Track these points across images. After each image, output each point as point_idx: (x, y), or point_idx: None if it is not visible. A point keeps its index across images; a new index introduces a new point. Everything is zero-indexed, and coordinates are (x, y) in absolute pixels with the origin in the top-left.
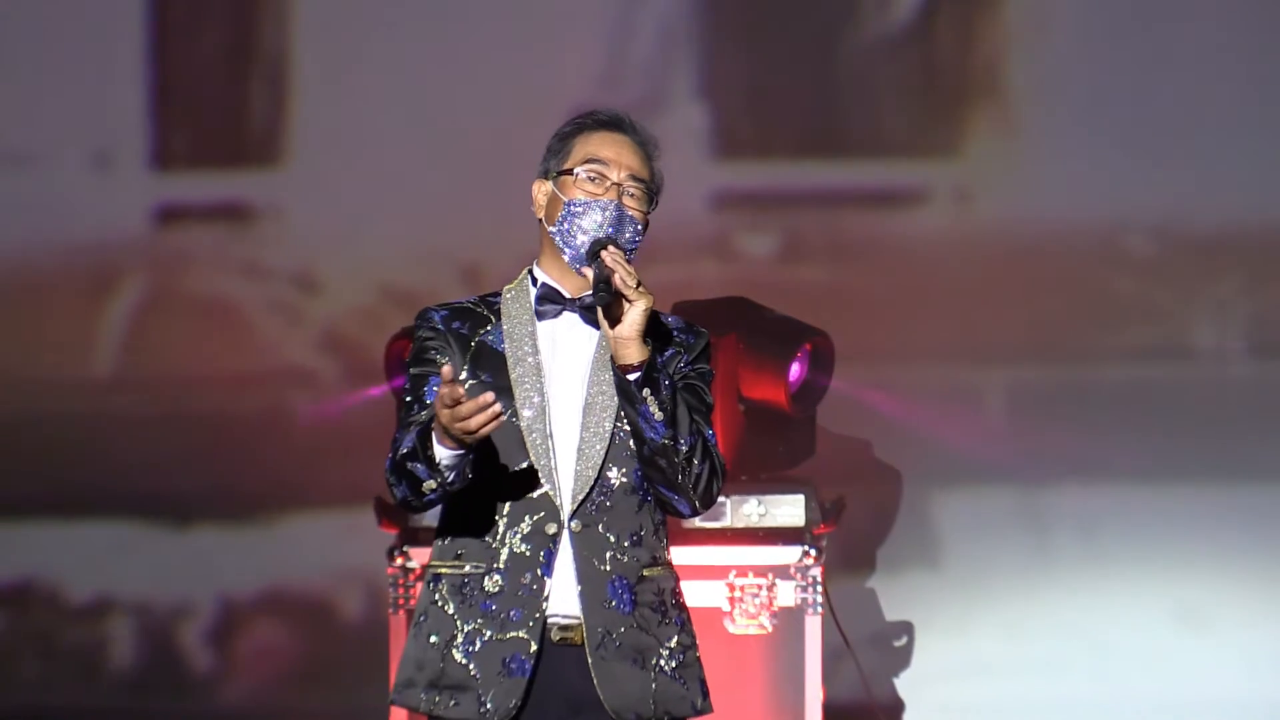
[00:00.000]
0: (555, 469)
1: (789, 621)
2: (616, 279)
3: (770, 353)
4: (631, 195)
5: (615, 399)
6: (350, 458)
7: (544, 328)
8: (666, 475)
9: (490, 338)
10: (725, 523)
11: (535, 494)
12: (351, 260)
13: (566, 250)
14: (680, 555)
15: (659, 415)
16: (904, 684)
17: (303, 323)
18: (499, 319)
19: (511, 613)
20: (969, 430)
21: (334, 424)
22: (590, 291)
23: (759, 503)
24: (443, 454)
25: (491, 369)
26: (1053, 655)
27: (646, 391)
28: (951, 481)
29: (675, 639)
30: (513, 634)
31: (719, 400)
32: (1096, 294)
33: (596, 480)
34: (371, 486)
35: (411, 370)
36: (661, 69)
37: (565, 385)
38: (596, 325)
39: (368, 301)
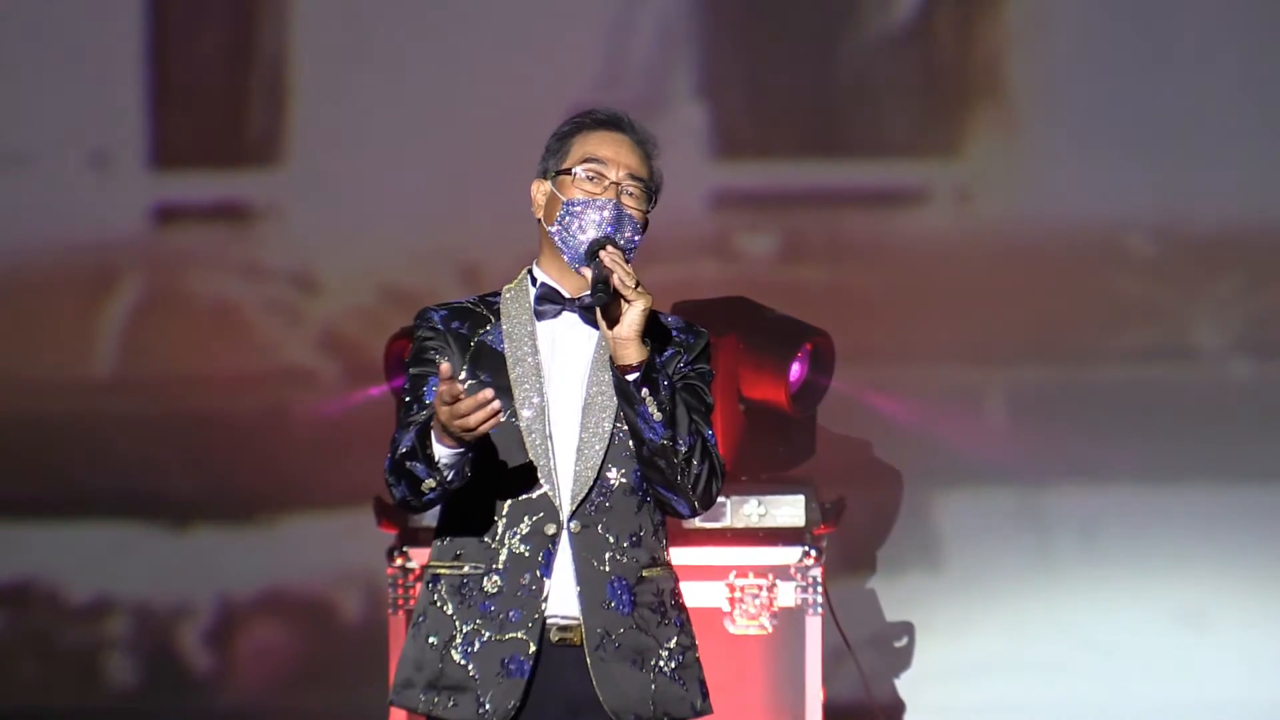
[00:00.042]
0: (554, 469)
1: (789, 622)
2: (615, 279)
3: (770, 353)
4: (630, 194)
5: (615, 399)
6: (350, 458)
7: (543, 328)
8: (665, 476)
9: (490, 338)
10: (725, 523)
11: (534, 494)
12: (351, 260)
13: (565, 250)
14: (680, 556)
15: (658, 416)
16: (904, 685)
17: (302, 323)
18: (498, 319)
19: (510, 613)
20: (969, 431)
21: (333, 424)
22: (589, 291)
23: (759, 503)
24: (442, 452)
25: (491, 369)
26: (1053, 656)
27: (645, 392)
28: (952, 482)
29: (675, 640)
30: (511, 635)
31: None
32: (1097, 294)
33: (596, 481)
34: (371, 487)
35: (411, 370)
36: (661, 69)
37: (564, 385)
38: (596, 325)
39: (367, 301)
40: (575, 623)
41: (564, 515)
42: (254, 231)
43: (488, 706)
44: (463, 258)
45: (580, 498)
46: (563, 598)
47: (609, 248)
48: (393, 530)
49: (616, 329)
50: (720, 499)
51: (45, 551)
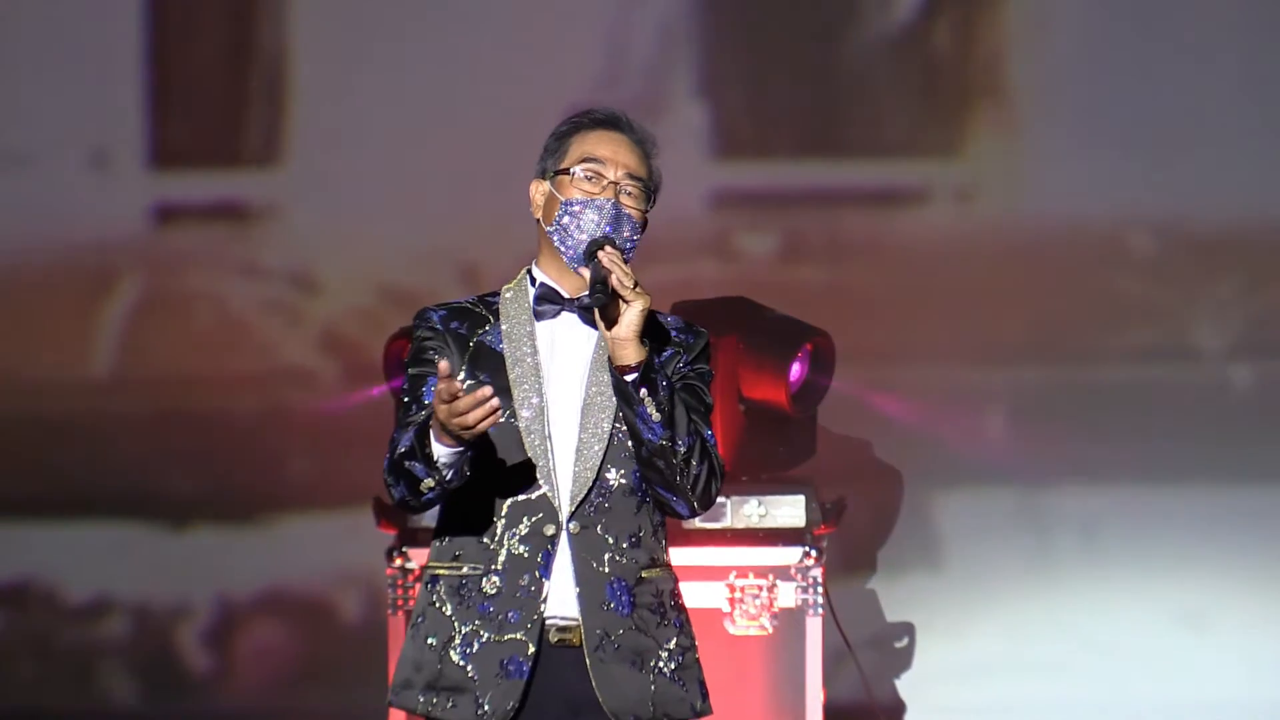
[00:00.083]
0: (554, 470)
1: (789, 623)
2: (613, 279)
3: (771, 353)
4: (629, 194)
5: (614, 399)
6: (349, 458)
7: (543, 328)
8: (665, 476)
9: (489, 338)
10: (725, 523)
11: (533, 495)
12: (350, 260)
13: (564, 250)
14: (680, 556)
15: (656, 416)
16: (905, 685)
17: (302, 323)
18: (497, 319)
19: (509, 614)
20: (970, 431)
21: (333, 424)
22: (587, 292)
23: (759, 503)
24: (441, 451)
25: (490, 369)
26: (1053, 656)
27: (644, 392)
28: (952, 482)
29: (674, 640)
30: (510, 636)
31: (719, 400)
32: (1097, 294)
33: (595, 481)
34: (370, 487)
35: (410, 370)
36: (661, 69)
37: (564, 386)
38: (595, 325)
39: (367, 301)
40: (574, 624)
41: (563, 516)
42: (253, 231)
43: (487, 707)
44: (462, 258)
45: (579, 498)
46: (562, 599)
47: (607, 248)
48: (392, 530)
49: (615, 329)
50: (720, 499)
51: (44, 551)
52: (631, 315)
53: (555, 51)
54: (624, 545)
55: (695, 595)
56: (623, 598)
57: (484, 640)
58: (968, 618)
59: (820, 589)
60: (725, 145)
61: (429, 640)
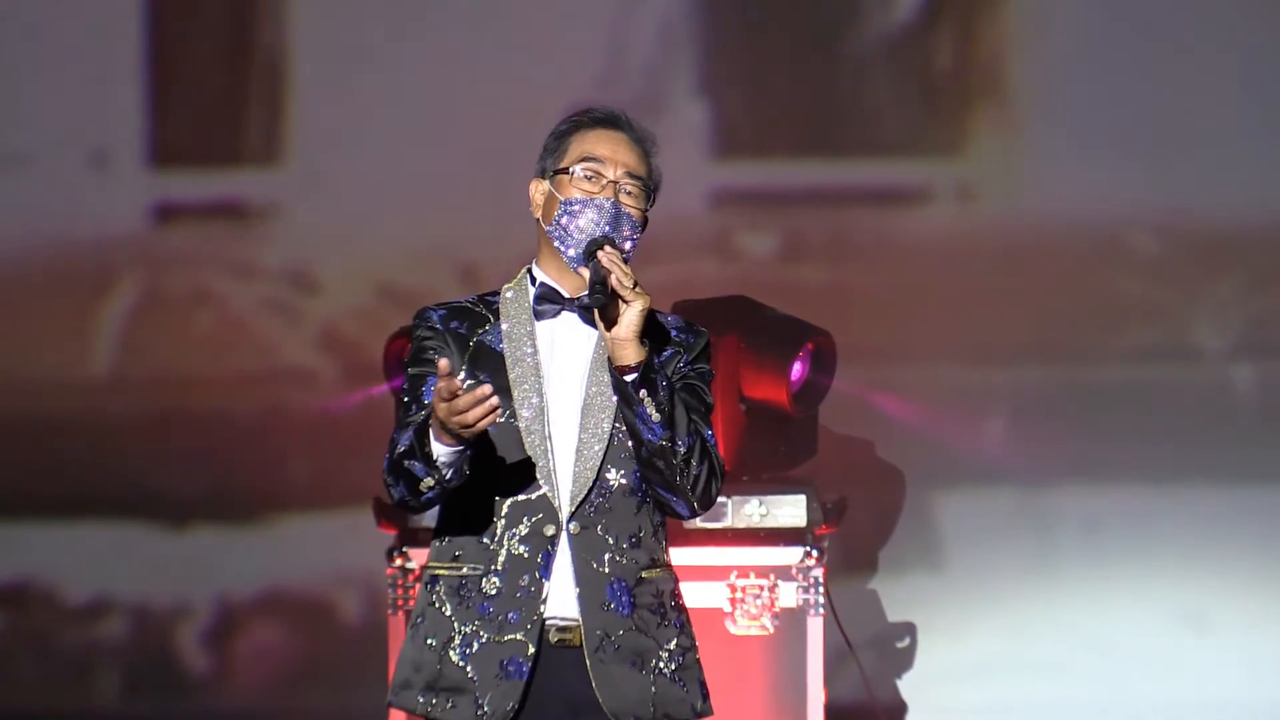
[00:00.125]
0: (554, 470)
1: (790, 623)
2: (613, 279)
3: (772, 352)
4: (629, 193)
5: (614, 400)
6: (349, 458)
7: (543, 327)
8: (664, 477)
9: (489, 337)
10: (726, 523)
11: (533, 495)
12: (350, 260)
13: (563, 249)
14: (681, 556)
15: (656, 417)
16: (906, 685)
17: (301, 322)
18: (497, 319)
19: (509, 615)
20: (971, 431)
21: (333, 424)
22: (587, 292)
23: (760, 503)
24: (440, 450)
25: (490, 369)
26: (1055, 657)
27: (644, 393)
28: (953, 482)
29: (674, 641)
30: (510, 636)
31: (720, 400)
32: (1097, 294)
33: (595, 481)
34: (370, 487)
35: (409, 370)
36: (661, 68)
37: (564, 385)
38: (595, 325)
39: (366, 301)
40: (574, 624)
41: (563, 516)
42: (253, 231)
43: (486, 708)
44: (462, 257)
45: (579, 499)
46: (562, 599)
47: (607, 248)
48: (392, 530)
49: (614, 329)
50: (721, 499)
51: (43, 551)
52: (631, 315)
53: (555, 51)
54: (624, 545)
55: (696, 595)
56: (623, 598)
57: (484, 641)
58: (969, 618)
59: (821, 589)
60: (726, 145)
61: (428, 640)
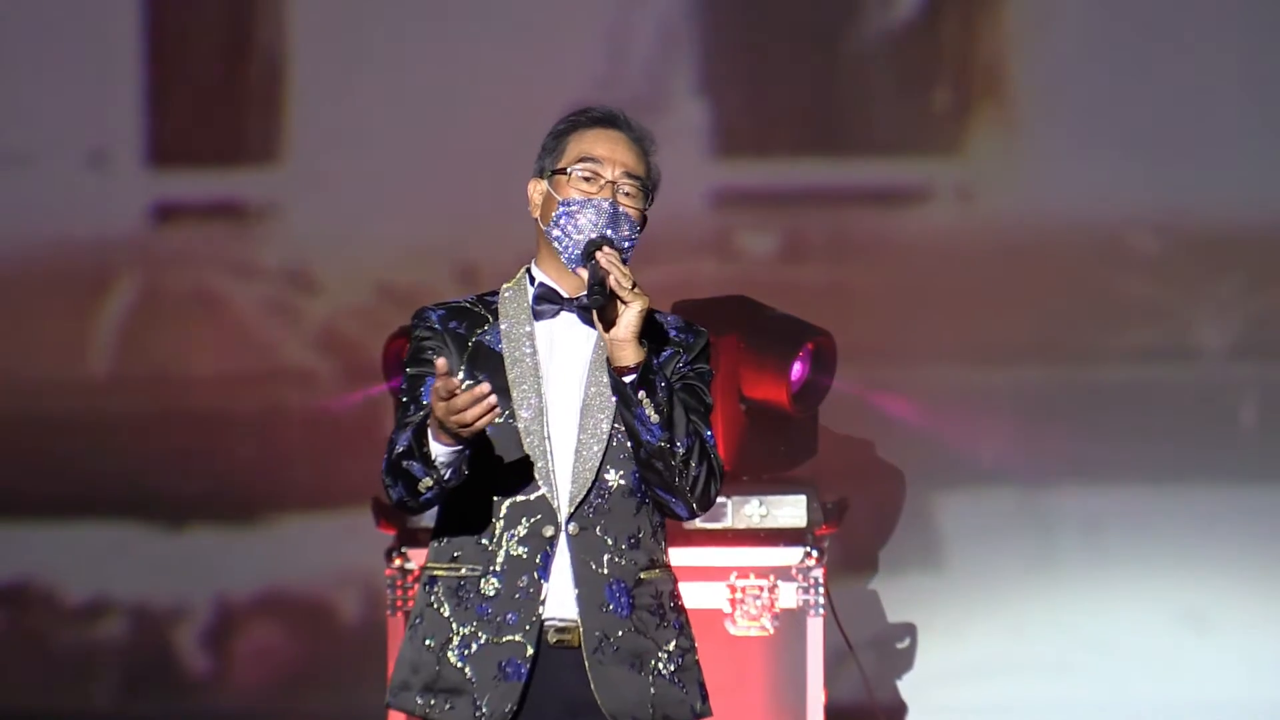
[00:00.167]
0: (553, 471)
1: (790, 623)
2: (611, 280)
3: (772, 352)
4: (627, 193)
5: (613, 400)
6: (348, 458)
7: (541, 328)
8: (663, 478)
9: (487, 338)
10: (726, 524)
11: (532, 496)
12: (349, 259)
13: (562, 250)
14: (681, 556)
15: (655, 418)
16: (906, 686)
17: (300, 322)
18: (496, 319)
19: (508, 616)
20: (971, 431)
21: (332, 424)
22: (586, 293)
23: (760, 503)
24: (439, 450)
25: (489, 369)
26: (1055, 657)
27: (642, 394)
28: (954, 482)
29: (674, 642)
30: (509, 638)
31: (720, 400)
32: (1098, 294)
33: (594, 482)
34: (370, 487)
35: (408, 370)
36: (661, 68)
37: (563, 386)
38: (594, 325)
39: (366, 301)
40: (573, 625)
41: (562, 517)
42: (252, 230)
43: (485, 709)
44: (461, 257)
45: (578, 499)
46: (561, 600)
47: (605, 248)
48: (391, 531)
49: (613, 330)
50: (721, 499)
51: (42, 551)
52: (630, 316)
53: (555, 51)
54: (623, 546)
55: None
56: (622, 599)
57: (482, 642)
58: (969, 618)
59: (821, 589)
60: (726, 144)
61: (427, 642)
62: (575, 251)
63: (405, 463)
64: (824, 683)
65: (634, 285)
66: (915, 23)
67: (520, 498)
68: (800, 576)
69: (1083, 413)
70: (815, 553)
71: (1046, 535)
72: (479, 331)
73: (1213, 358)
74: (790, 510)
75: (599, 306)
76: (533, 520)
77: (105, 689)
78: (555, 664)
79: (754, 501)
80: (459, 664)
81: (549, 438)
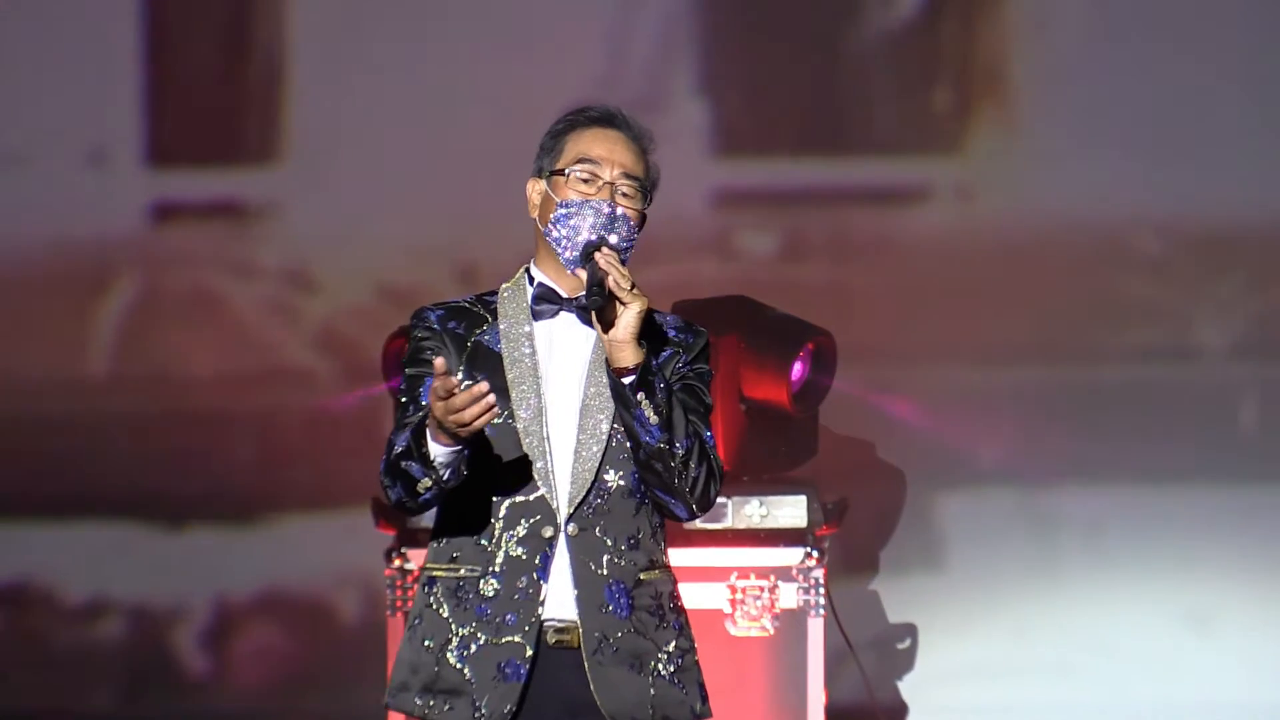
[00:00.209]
0: (552, 471)
1: (791, 624)
2: (610, 281)
3: (772, 352)
4: (625, 194)
5: (613, 401)
6: (348, 458)
7: (541, 328)
8: (663, 479)
9: (486, 338)
10: (727, 524)
11: (531, 497)
12: (349, 259)
13: (560, 251)
14: (681, 557)
15: (654, 419)
16: (907, 687)
17: (300, 322)
18: (495, 319)
19: (507, 617)
20: (972, 431)
21: (331, 424)
22: (584, 294)
23: (761, 504)
24: (438, 450)
25: (488, 369)
26: (1056, 658)
27: (641, 395)
28: (955, 482)
29: (673, 643)
30: (508, 638)
31: (720, 400)
32: (1098, 294)
33: (593, 483)
34: (369, 487)
35: (407, 370)
36: (661, 68)
37: (562, 386)
38: (593, 325)
39: (365, 300)
40: (572, 625)
41: (561, 518)
42: (251, 230)
43: (484, 710)
44: (460, 257)
45: (578, 500)
46: (560, 601)
47: (604, 249)
48: (391, 531)
49: (612, 332)
50: (722, 499)
51: (41, 551)
52: (629, 317)
53: (555, 51)
54: (622, 547)
55: (696, 596)
56: (621, 600)
57: (481, 643)
58: (970, 619)
59: (822, 590)
60: (726, 143)
61: (426, 642)
62: (574, 253)
63: (404, 463)
64: (824, 683)
65: (633, 286)
66: (915, 22)
67: (519, 498)
68: (801, 577)
69: (1083, 413)
70: (816, 553)
71: (1047, 535)
72: (478, 331)
73: (1213, 358)
74: (791, 510)
75: (598, 308)
76: (532, 521)
77: (104, 689)
78: (554, 665)
79: (754, 502)
80: (458, 665)
81: (548, 438)
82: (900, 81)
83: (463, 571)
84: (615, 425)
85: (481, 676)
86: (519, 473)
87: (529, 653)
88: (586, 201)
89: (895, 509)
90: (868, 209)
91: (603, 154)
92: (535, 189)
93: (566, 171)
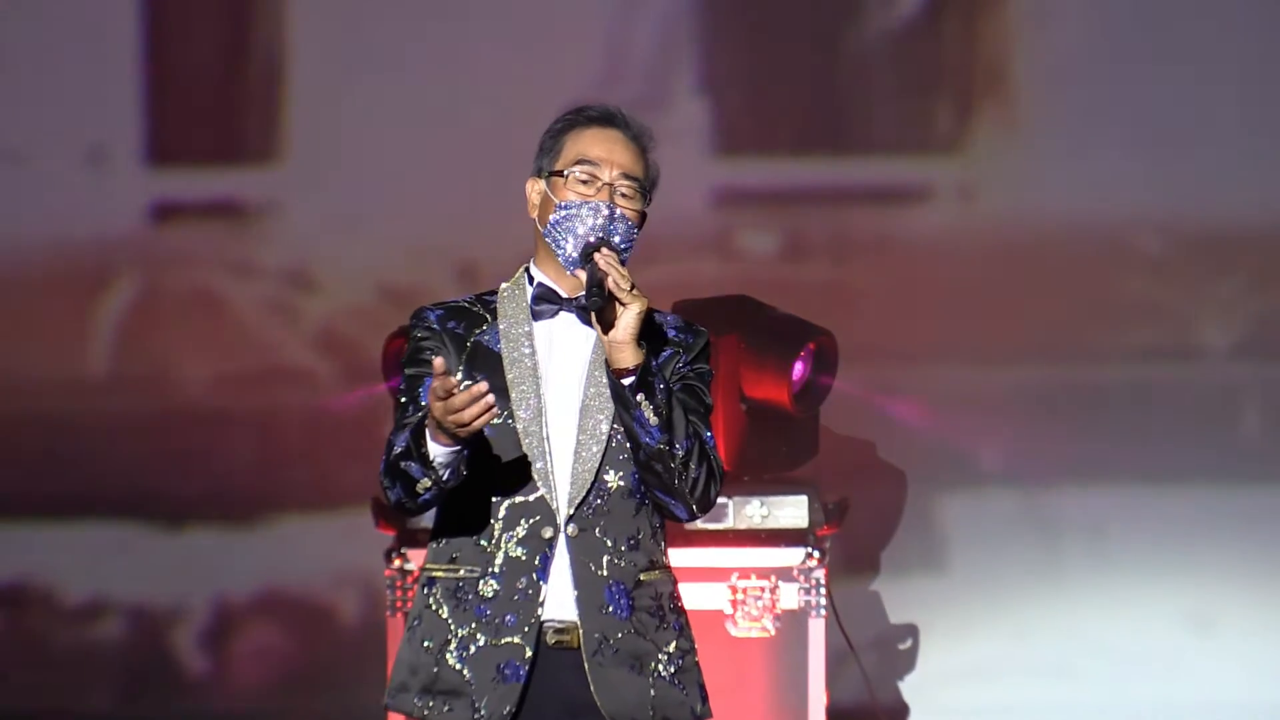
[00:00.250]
0: (552, 471)
1: (792, 624)
2: (610, 282)
3: (773, 352)
4: (624, 195)
5: (612, 401)
6: (347, 459)
7: (540, 328)
8: (663, 480)
9: (486, 338)
10: (728, 524)
11: (531, 497)
12: (349, 259)
13: (559, 252)
14: (682, 557)
15: (654, 420)
16: (908, 687)
17: (300, 322)
18: (495, 318)
19: (506, 618)
20: (973, 431)
21: (331, 424)
22: (584, 295)
23: (761, 504)
24: (437, 451)
25: (488, 369)
26: (1057, 658)
27: (641, 396)
28: (955, 483)
29: (673, 644)
30: (507, 639)
31: (720, 400)
32: (1100, 294)
33: (593, 483)
34: (369, 488)
35: (406, 371)
36: (662, 67)
37: (562, 386)
38: (593, 325)
39: (365, 300)
40: (572, 626)
41: (561, 519)
42: (251, 229)
43: (483, 711)
44: (460, 257)
45: (577, 501)
46: (560, 602)
47: (603, 250)
48: (391, 531)
49: (612, 333)
50: (722, 500)
51: (40, 552)
52: (628, 318)
53: (555, 51)
54: (622, 548)
55: (697, 596)
56: (621, 601)
57: (481, 643)
58: (971, 619)
59: (823, 590)
60: (726, 143)
61: (425, 643)
62: (573, 254)
63: (403, 463)
64: (825, 684)
65: (632, 287)
66: (916, 22)
67: (519, 499)
68: (801, 577)
69: (1084, 413)
70: (817, 553)
71: (1048, 536)
72: (477, 331)
73: (1214, 358)
74: (791, 511)
75: (597, 308)
76: (531, 521)
77: (104, 690)
78: (554, 665)
79: (755, 502)
80: (457, 665)
81: (548, 438)
82: (901, 81)
83: (462, 572)
84: (615, 426)
85: (481, 677)
86: (518, 473)
87: (528, 654)
88: (585, 203)
89: (896, 509)
90: (868, 209)
91: (602, 155)
92: (534, 189)
93: (565, 172)
